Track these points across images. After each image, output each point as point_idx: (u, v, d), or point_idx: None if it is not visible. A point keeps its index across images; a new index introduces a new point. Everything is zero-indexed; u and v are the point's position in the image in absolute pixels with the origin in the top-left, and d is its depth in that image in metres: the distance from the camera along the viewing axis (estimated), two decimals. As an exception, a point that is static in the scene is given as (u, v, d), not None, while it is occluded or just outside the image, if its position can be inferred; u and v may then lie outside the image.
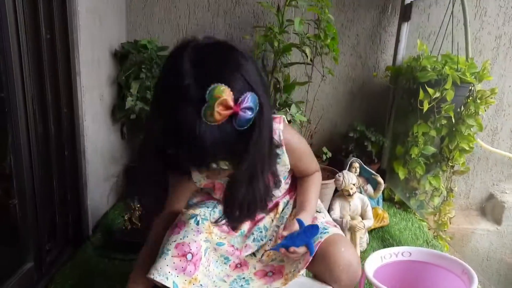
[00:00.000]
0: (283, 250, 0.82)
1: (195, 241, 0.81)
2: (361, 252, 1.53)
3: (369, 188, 1.81)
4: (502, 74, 2.04)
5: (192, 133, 0.66)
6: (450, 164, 1.88)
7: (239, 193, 0.81)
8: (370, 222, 1.56)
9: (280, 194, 0.99)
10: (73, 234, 1.45)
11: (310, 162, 0.99)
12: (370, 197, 1.76)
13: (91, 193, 1.52)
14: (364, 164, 1.84)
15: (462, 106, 1.78)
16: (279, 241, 0.91)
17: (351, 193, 1.55)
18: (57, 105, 1.31)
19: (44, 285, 1.19)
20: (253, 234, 0.94)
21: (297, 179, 1.03)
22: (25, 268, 1.15)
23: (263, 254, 0.93)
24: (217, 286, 0.83)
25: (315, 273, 0.89)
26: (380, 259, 1.17)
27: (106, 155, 1.70)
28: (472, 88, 1.75)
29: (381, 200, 1.90)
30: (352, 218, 1.55)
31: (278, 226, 0.96)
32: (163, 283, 0.77)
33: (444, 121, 1.80)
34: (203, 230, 0.83)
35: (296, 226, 0.86)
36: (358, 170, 1.80)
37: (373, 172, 1.81)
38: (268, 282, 0.86)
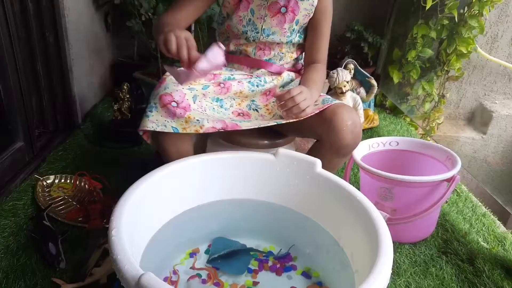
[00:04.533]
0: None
1: (177, 91, 0.82)
2: (349, 149, 1.57)
3: (362, 91, 1.79)
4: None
5: None
6: (446, 68, 1.85)
7: None
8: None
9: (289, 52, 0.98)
10: (62, 121, 1.43)
11: (324, 38, 0.97)
12: (362, 101, 1.75)
13: (78, 82, 1.47)
14: (359, 67, 1.79)
15: (466, 7, 1.70)
16: (271, 99, 0.95)
17: (344, 91, 1.54)
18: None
19: (36, 165, 1.21)
20: (251, 77, 0.95)
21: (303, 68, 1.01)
22: (16, 147, 1.16)
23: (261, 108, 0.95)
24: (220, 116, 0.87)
25: (320, 135, 0.88)
26: (368, 147, 1.19)
27: (91, 44, 1.62)
28: (480, -15, 1.66)
29: (372, 104, 1.90)
30: (343, 116, 1.56)
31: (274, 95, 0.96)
32: (165, 131, 0.80)
33: (445, 22, 1.73)
34: None
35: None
36: (352, 71, 1.76)
37: (368, 74, 1.78)
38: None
